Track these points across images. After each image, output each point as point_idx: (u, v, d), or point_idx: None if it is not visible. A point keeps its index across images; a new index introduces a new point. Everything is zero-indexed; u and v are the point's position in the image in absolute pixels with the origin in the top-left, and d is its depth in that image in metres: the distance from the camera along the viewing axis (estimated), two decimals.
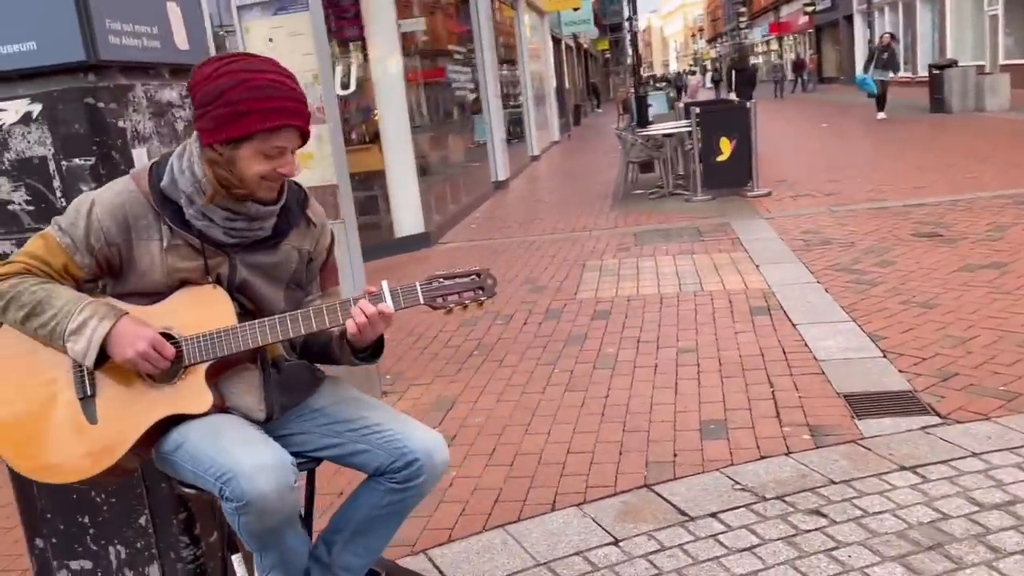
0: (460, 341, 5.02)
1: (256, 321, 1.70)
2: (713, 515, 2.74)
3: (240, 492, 1.54)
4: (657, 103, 17.93)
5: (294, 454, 1.83)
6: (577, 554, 2.61)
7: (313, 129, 3.97)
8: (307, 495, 1.94)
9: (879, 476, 2.85)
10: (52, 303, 1.62)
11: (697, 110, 9.58)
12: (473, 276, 1.80)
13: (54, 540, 2.26)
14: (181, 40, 2.27)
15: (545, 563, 2.58)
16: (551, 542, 2.69)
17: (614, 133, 11.82)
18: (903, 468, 2.88)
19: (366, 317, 1.68)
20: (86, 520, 2.23)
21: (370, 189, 8.57)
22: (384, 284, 1.75)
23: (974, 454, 2.93)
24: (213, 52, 2.54)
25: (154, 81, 2.16)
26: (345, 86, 7.87)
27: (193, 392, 1.68)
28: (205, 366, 1.69)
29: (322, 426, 1.83)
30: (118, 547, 2.25)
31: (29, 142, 2.00)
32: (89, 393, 1.66)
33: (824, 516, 2.65)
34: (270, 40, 3.95)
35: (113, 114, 2.00)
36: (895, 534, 2.50)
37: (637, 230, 7.98)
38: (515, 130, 16.15)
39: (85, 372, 1.64)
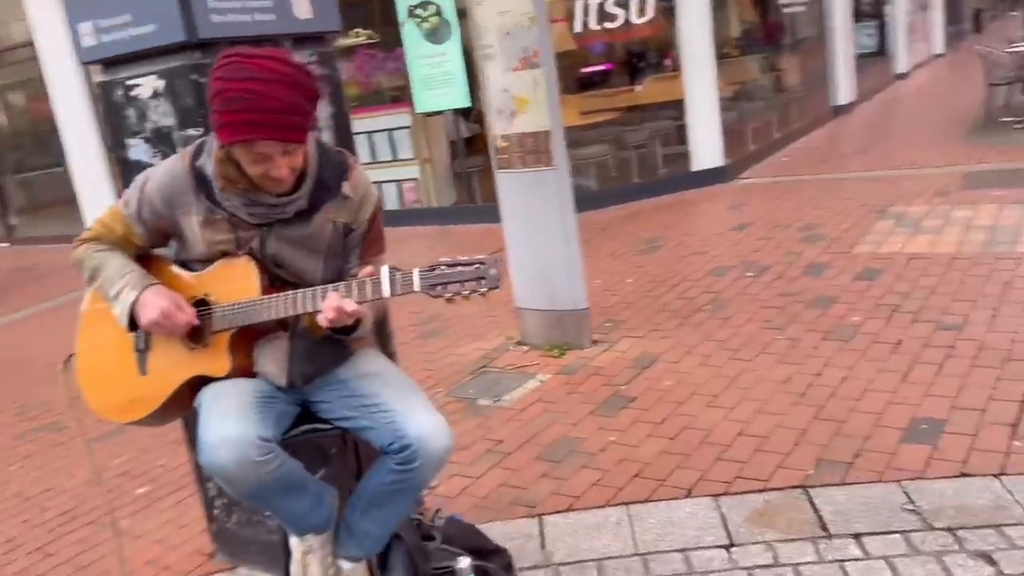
0: (697, 293, 4.74)
1: (274, 295, 1.79)
2: (856, 536, 2.32)
3: (205, 461, 1.68)
4: None
5: (323, 420, 1.94)
6: (680, 551, 2.40)
7: (528, 73, 3.96)
8: (354, 458, 2.04)
9: None
10: (104, 270, 1.87)
11: None
12: (477, 265, 1.69)
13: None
14: (303, 10, 2.40)
15: (642, 554, 2.42)
16: (662, 532, 2.51)
17: (977, 52, 9.91)
18: None
19: (333, 311, 1.68)
20: None
21: (668, 119, 8.29)
22: (384, 269, 1.72)
23: None
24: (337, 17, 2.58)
25: None
26: (642, 12, 7.63)
27: (216, 357, 1.84)
28: (230, 333, 1.83)
29: (343, 398, 1.89)
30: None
31: (159, 114, 2.29)
32: (143, 347, 1.90)
33: (993, 564, 2.11)
34: None
35: None
36: None
37: (973, 169, 6.71)
38: (876, 43, 14.30)
39: (139, 330, 1.89)
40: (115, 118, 2.41)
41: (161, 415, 1.92)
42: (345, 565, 1.94)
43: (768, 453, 2.87)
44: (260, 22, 2.28)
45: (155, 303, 1.79)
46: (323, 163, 1.87)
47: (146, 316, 1.79)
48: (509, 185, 4.19)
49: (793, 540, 2.36)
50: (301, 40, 2.43)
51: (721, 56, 8.11)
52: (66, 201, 10.45)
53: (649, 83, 8.54)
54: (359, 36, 8.46)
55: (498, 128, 4.11)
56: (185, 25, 2.12)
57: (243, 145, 1.65)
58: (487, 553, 2.26)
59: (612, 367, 3.86)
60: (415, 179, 8.33)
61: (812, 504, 2.52)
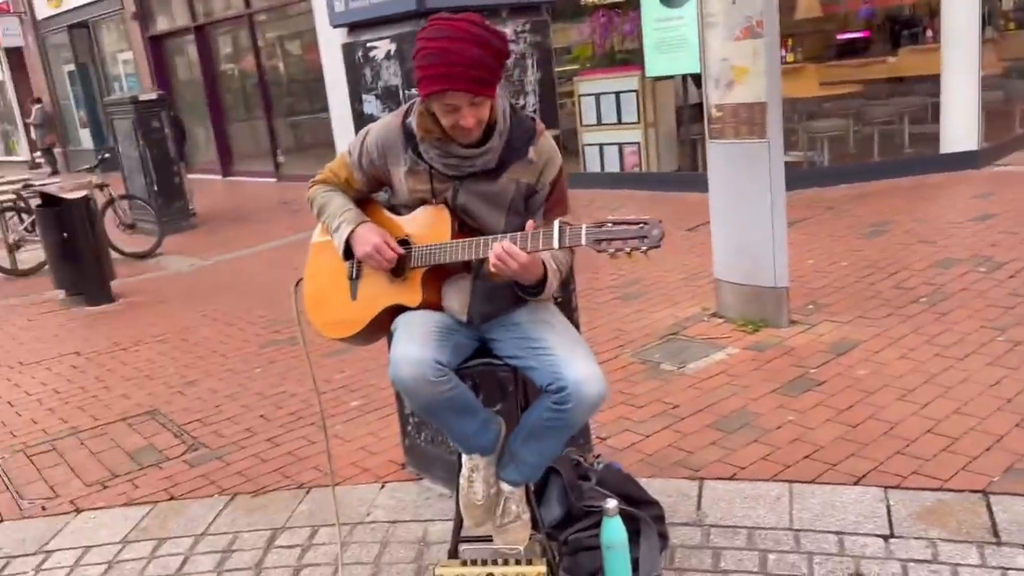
0: (916, 283, 4.47)
1: (460, 240, 2.02)
2: None
3: (390, 375, 1.95)
4: None
5: (496, 357, 2.16)
6: (836, 533, 2.40)
7: (749, 43, 3.92)
8: (523, 395, 2.24)
9: None
10: (328, 207, 2.19)
11: None
12: (641, 225, 1.82)
13: None
14: None
15: (795, 530, 2.44)
16: (821, 512, 2.51)
17: None
18: None
19: (496, 257, 1.87)
20: None
21: (920, 95, 7.68)
22: (556, 223, 1.89)
23: None
24: None
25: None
26: None
27: (411, 289, 2.11)
28: (423, 270, 2.10)
29: (514, 338, 2.09)
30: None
31: (389, 73, 2.59)
32: (355, 276, 2.21)
33: None
34: None
35: None
36: None
37: None
38: None
39: (354, 259, 2.20)
40: (355, 75, 2.75)
41: (364, 336, 2.23)
42: (505, 487, 2.17)
43: (955, 455, 2.74)
44: None
45: (368, 238, 2.09)
46: (514, 126, 2.06)
47: (360, 248, 2.10)
48: (719, 155, 4.18)
49: (959, 542, 2.28)
50: (517, 10, 2.62)
51: (990, 29, 7.36)
52: (326, 144, 11.63)
53: (904, 55, 7.92)
54: None
55: (714, 97, 4.10)
56: None
57: (436, 96, 1.89)
58: (639, 502, 2.41)
59: (805, 349, 3.79)
60: (637, 143, 8.38)
61: (989, 509, 2.40)
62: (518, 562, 2.14)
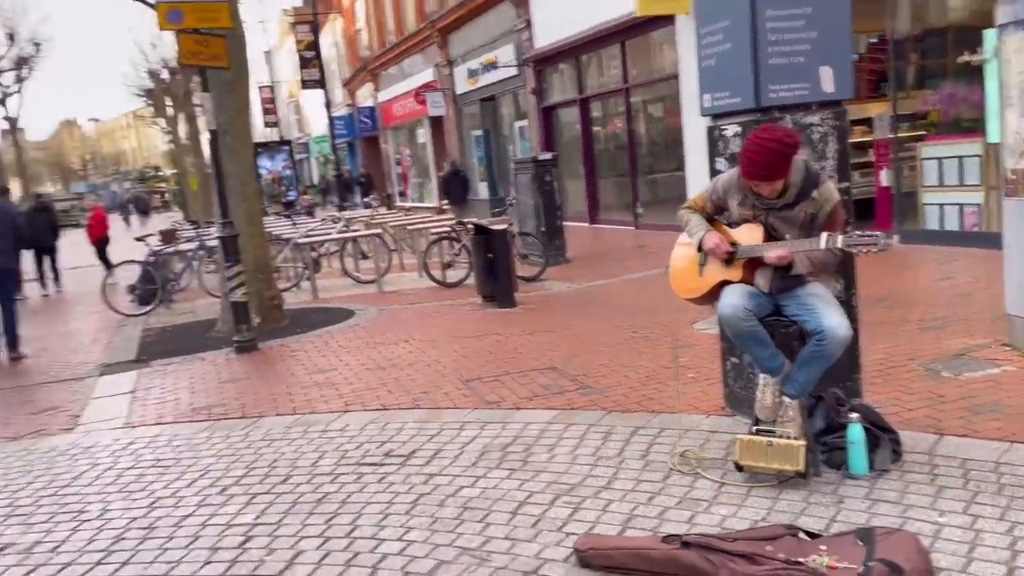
0: None
1: (767, 244, 3.47)
2: None
3: (719, 311, 3.46)
4: None
5: (784, 316, 3.56)
6: None
7: None
8: (800, 342, 3.59)
9: None
10: (690, 221, 3.74)
11: None
12: (875, 236, 3.14)
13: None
14: (828, 87, 3.95)
15: (1000, 463, 3.45)
16: None
17: None
18: None
19: (774, 255, 3.31)
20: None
21: None
22: (824, 234, 3.27)
23: None
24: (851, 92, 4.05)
25: (800, 112, 3.95)
26: None
27: (735, 271, 3.58)
28: (744, 260, 3.57)
29: (798, 303, 3.47)
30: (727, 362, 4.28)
31: (734, 145, 4.10)
32: (702, 262, 3.74)
33: None
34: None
35: None
36: None
37: None
38: None
39: (703, 252, 3.72)
40: (712, 146, 4.33)
41: (704, 299, 3.77)
42: (786, 398, 3.54)
43: None
44: (798, 94, 3.93)
45: (712, 239, 3.63)
46: (806, 178, 3.47)
47: (706, 244, 3.65)
48: (1014, 211, 5.04)
49: None
50: (823, 105, 4.01)
51: None
52: (679, 198, 13.39)
53: None
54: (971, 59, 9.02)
55: (1009, 163, 5.00)
56: (755, 97, 3.90)
57: (747, 179, 3.40)
58: (881, 427, 3.61)
59: None
60: (978, 204, 8.85)
61: None
62: (788, 439, 3.49)
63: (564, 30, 15.75)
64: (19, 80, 33.54)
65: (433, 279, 10.71)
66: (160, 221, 38.34)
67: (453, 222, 11.54)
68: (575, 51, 16.01)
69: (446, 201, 19.74)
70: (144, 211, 48.41)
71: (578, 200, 16.87)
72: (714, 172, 4.28)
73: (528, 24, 17.46)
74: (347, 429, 4.90)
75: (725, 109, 4.17)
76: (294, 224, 14.64)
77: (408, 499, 3.78)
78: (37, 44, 33.33)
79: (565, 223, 12.35)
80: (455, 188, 18.51)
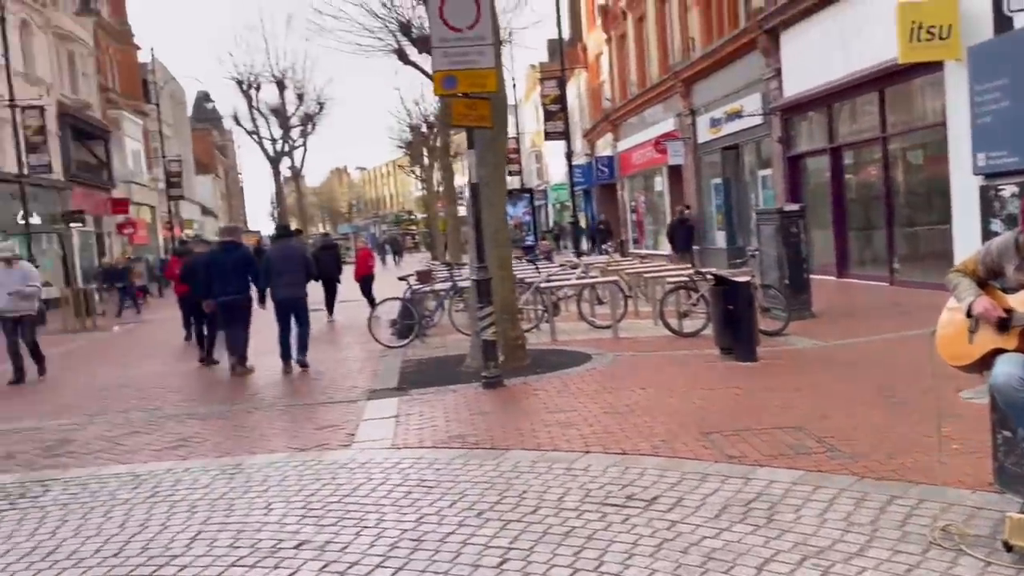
0: None
1: None
2: None
3: (991, 381, 3.27)
4: None
5: None
6: None
7: None
8: None
9: None
10: (959, 286, 3.58)
11: None
12: None
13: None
14: None
15: None
16: None
17: None
18: None
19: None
20: None
21: None
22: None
23: None
24: None
25: None
26: None
27: (1011, 339, 3.38)
28: (1021, 327, 3.37)
29: None
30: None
31: (1012, 206, 3.88)
32: (973, 328, 3.56)
33: None
34: None
35: None
36: None
37: None
38: None
39: (972, 318, 3.54)
40: (986, 206, 4.12)
41: (973, 367, 3.60)
42: None
43: None
44: None
45: (983, 304, 3.48)
46: None
47: (976, 309, 3.49)
48: None
49: None
50: None
51: None
52: (943, 254, 12.41)
53: None
54: None
55: None
56: None
57: None
58: None
59: None
60: None
61: None
62: None
63: (816, 78, 15.33)
64: (304, 135, 38.11)
65: (669, 328, 10.77)
66: (412, 261, 41.56)
67: (691, 271, 11.56)
68: (827, 99, 15.50)
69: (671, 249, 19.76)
70: (398, 252, 52.56)
71: (825, 252, 16.15)
72: (988, 233, 4.09)
73: (777, 73, 17.18)
74: (590, 469, 5.13)
75: (1002, 169, 3.98)
76: (537, 269, 15.33)
77: (652, 542, 3.92)
78: (321, 103, 37.75)
79: (811, 276, 11.92)
80: (680, 236, 19.49)
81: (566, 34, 33.24)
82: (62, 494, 5.51)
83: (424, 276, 14.98)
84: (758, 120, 18.25)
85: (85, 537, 4.63)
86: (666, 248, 24.46)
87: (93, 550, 4.43)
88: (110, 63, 38.59)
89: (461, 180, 31.76)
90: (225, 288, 10.24)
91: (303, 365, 10.40)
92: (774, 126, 17.69)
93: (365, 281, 17.83)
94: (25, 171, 22.64)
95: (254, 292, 10.60)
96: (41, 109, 25.79)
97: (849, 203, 15.97)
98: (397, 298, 12.86)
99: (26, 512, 5.18)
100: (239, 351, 10.42)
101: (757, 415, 6.16)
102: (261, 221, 79.11)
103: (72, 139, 30.90)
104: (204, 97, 45.49)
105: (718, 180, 21.95)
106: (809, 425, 5.74)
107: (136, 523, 4.80)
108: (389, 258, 51.87)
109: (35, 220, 23.39)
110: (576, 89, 36.82)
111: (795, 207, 11.87)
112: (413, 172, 47.18)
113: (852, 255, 15.86)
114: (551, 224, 45.44)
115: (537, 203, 47.29)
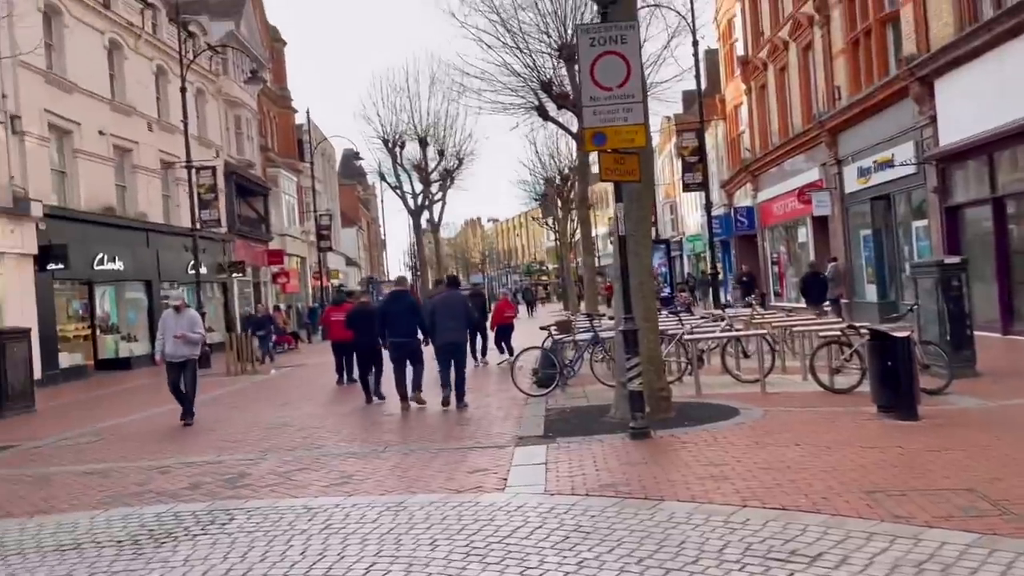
0: None
1: None
2: None
3: None
4: None
5: None
6: None
7: None
8: None
9: None
10: None
11: None
12: None
13: None
14: None
15: None
16: None
17: None
18: None
19: None
20: None
21: None
22: None
23: None
24: None
25: None
26: None
27: None
28: None
29: None
30: None
31: None
32: None
33: None
34: None
35: None
36: None
37: None
38: None
39: None
40: None
41: None
42: None
43: None
44: None
45: None
46: None
47: None
48: None
49: None
50: None
51: None
52: None
53: None
54: None
55: None
56: None
57: None
58: None
59: None
60: None
61: None
62: None
63: (975, 126, 14.67)
64: (443, 189, 39.56)
65: (820, 383, 10.47)
66: (543, 311, 41.95)
67: (843, 325, 11.20)
68: (987, 147, 14.78)
69: (827, 303, 19.12)
70: (531, 302, 53.20)
71: (987, 307, 15.22)
72: None
73: (932, 120, 16.53)
74: (748, 523, 5.10)
75: None
76: (680, 320, 15.24)
77: None
78: (460, 159, 39.16)
79: (974, 332, 11.29)
80: (813, 290, 19.97)
81: (703, 85, 33.21)
82: (246, 523, 5.98)
83: (563, 326, 15.19)
84: (911, 169, 17.55)
85: (272, 563, 5.03)
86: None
87: (281, 574, 4.81)
88: (270, 125, 41.72)
89: (595, 231, 32.14)
90: (396, 331, 11.54)
91: (462, 405, 11.37)
92: (929, 176, 16.96)
93: (503, 330, 18.29)
94: (198, 226, 24.64)
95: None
96: (213, 169, 28.27)
97: (1013, 255, 15.04)
98: (538, 347, 13.11)
99: (216, 538, 5.67)
100: (415, 385, 11.61)
101: (923, 475, 5.93)
102: (396, 270, 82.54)
103: (236, 195, 33.51)
104: (352, 155, 47.99)
105: (867, 231, 21.14)
106: (980, 487, 5.48)
107: (315, 552, 5.17)
108: (522, 308, 52.64)
109: (203, 270, 25.32)
110: (713, 140, 36.56)
111: (956, 259, 11.34)
112: (546, 223, 47.99)
113: (1019, 311, 14.87)
114: (685, 275, 44.89)
115: (672, 254, 46.95)
